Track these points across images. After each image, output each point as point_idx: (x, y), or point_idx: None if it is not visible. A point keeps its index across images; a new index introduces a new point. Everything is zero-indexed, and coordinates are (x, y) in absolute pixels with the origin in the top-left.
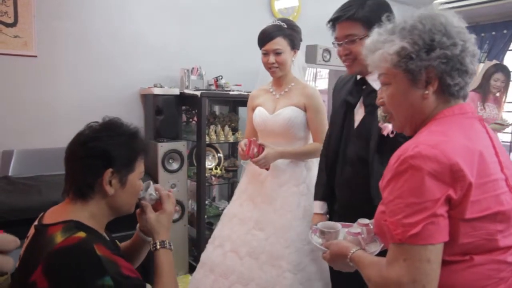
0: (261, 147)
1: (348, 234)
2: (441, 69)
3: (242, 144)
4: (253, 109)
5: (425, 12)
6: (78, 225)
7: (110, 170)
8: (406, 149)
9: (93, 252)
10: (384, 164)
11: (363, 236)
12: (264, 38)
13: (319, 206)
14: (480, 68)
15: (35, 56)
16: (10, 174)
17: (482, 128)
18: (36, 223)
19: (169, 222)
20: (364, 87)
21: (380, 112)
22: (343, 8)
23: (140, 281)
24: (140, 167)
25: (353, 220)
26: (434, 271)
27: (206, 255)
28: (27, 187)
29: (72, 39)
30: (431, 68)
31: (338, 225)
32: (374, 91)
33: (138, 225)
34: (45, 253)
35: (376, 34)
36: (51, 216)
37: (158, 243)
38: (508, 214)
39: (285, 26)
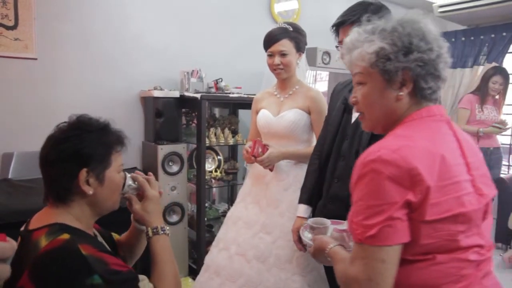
0: (266, 147)
1: (335, 231)
2: (416, 72)
3: (247, 146)
4: (257, 112)
5: (405, 16)
6: (63, 227)
7: (85, 169)
8: (370, 152)
9: (79, 253)
10: None
11: (348, 233)
12: (270, 40)
13: (303, 210)
14: (479, 71)
15: (35, 59)
16: (10, 176)
17: (449, 130)
18: (22, 229)
19: (156, 207)
20: None
21: None
22: (347, 13)
23: (131, 273)
24: (116, 161)
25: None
26: (389, 271)
27: (211, 258)
28: (27, 190)
29: (73, 42)
30: (408, 70)
31: (327, 221)
32: None
33: (131, 216)
34: (31, 258)
35: (356, 33)
36: (36, 221)
37: (150, 231)
38: (470, 215)
39: (291, 29)
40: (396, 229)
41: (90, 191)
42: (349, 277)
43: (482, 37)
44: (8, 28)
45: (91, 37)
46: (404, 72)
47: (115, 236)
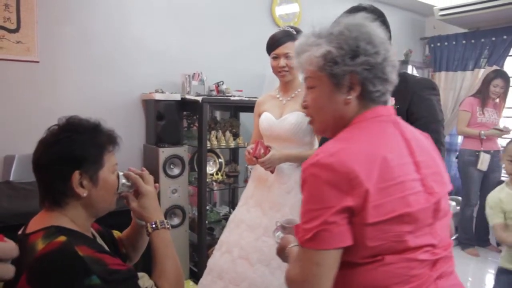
0: (268, 149)
1: (284, 223)
2: (364, 75)
3: (249, 148)
4: (260, 115)
5: (353, 20)
6: (59, 230)
7: (77, 172)
8: (312, 157)
9: (76, 254)
10: None
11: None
12: (275, 42)
13: None
14: (480, 74)
15: (37, 62)
16: (11, 179)
17: (396, 130)
18: (19, 233)
19: (153, 202)
20: None
21: None
22: (341, 17)
23: (130, 271)
24: (110, 161)
25: None
26: (324, 274)
27: (213, 261)
28: (29, 192)
29: (74, 45)
30: (355, 74)
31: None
32: None
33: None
34: (28, 262)
35: (304, 37)
36: (32, 225)
37: (149, 227)
38: (416, 215)
39: (294, 32)
40: (332, 233)
41: (84, 193)
42: (289, 278)
43: (483, 40)
44: (10, 31)
45: (92, 40)
46: (352, 76)
47: (116, 233)
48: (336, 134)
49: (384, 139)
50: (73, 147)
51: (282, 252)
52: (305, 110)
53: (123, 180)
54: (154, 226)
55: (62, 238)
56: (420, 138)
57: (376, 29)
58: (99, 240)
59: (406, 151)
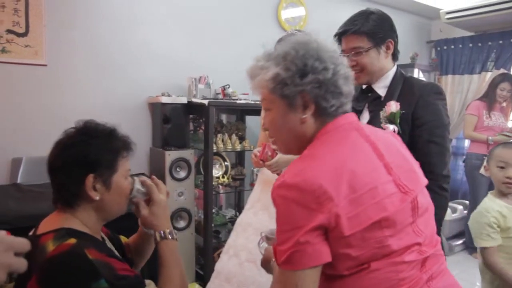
0: (275, 152)
1: (267, 234)
2: (314, 93)
3: (256, 151)
4: None
5: (300, 38)
6: (69, 232)
7: (92, 175)
8: (278, 179)
9: (85, 257)
10: None
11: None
12: None
13: None
14: (487, 77)
15: (45, 65)
16: (19, 181)
17: (360, 137)
18: (30, 234)
19: (164, 211)
20: (369, 94)
21: (382, 113)
22: (349, 22)
23: (137, 278)
24: (123, 166)
25: None
26: None
27: (221, 265)
28: (36, 194)
29: (81, 48)
30: (305, 93)
31: None
32: (379, 97)
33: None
34: (38, 263)
35: (255, 60)
36: (43, 226)
37: (157, 236)
38: (394, 217)
39: None
40: (305, 253)
41: (96, 196)
42: None
43: (490, 43)
44: (19, 35)
45: (99, 44)
46: (303, 95)
47: (123, 239)
48: (301, 152)
49: (349, 148)
50: (88, 150)
51: (267, 264)
52: (267, 132)
53: (138, 186)
54: (163, 235)
55: (72, 241)
56: (387, 138)
57: (324, 43)
58: (109, 244)
59: (373, 155)
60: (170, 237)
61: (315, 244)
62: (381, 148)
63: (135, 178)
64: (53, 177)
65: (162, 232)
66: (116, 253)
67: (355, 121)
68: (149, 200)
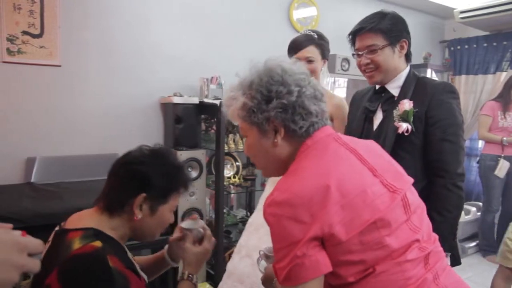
0: None
1: (265, 251)
2: (281, 117)
3: None
4: None
5: (265, 65)
6: (97, 234)
7: (144, 195)
8: (267, 198)
9: (105, 263)
10: (398, 159)
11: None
12: (297, 46)
13: None
14: (502, 77)
15: (59, 66)
16: (32, 180)
17: (340, 145)
18: (57, 227)
19: (203, 259)
20: (383, 94)
21: (395, 112)
22: (365, 20)
23: None
24: (174, 201)
25: None
26: None
27: (233, 265)
28: (50, 193)
29: (95, 49)
30: (272, 118)
31: None
32: (392, 97)
33: (166, 248)
34: (62, 258)
35: (229, 90)
36: (74, 221)
37: (186, 274)
38: (388, 217)
39: (316, 36)
40: (304, 266)
41: (139, 215)
42: None
43: (505, 42)
44: (34, 36)
45: (112, 45)
46: (271, 121)
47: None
48: (282, 173)
49: (331, 157)
50: (153, 173)
51: (268, 283)
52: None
53: (200, 228)
54: (190, 277)
55: (97, 243)
56: (367, 144)
57: (289, 67)
58: (130, 255)
59: (356, 161)
60: (194, 281)
61: (312, 255)
62: (362, 153)
63: (200, 220)
64: (109, 180)
65: (191, 275)
66: (137, 266)
67: (332, 133)
68: (195, 242)
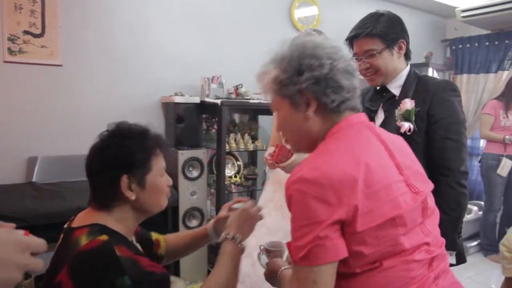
0: (290, 152)
1: (269, 245)
2: (313, 89)
3: (267, 153)
4: None
5: (297, 40)
6: (102, 228)
7: (126, 175)
8: (293, 173)
9: (113, 253)
10: None
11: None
12: None
13: None
14: (504, 76)
15: (61, 65)
16: (34, 179)
17: (372, 135)
18: (66, 226)
19: (246, 222)
20: (384, 94)
21: (397, 111)
22: (360, 25)
23: (164, 275)
24: (157, 164)
25: None
26: None
27: None
28: (51, 193)
29: (96, 49)
30: (304, 90)
31: (283, 244)
32: (393, 96)
33: (211, 223)
34: (71, 255)
35: (262, 65)
36: (79, 220)
37: (230, 235)
38: (406, 216)
39: (317, 35)
40: (325, 248)
41: (132, 196)
42: None
43: (506, 41)
44: (35, 36)
45: (113, 45)
46: (303, 93)
47: (154, 235)
48: (311, 150)
49: (363, 145)
50: (121, 152)
51: (272, 277)
52: (280, 133)
53: (250, 203)
54: (230, 237)
55: (104, 237)
56: (396, 139)
57: (321, 41)
58: (134, 243)
59: (385, 154)
60: (238, 241)
61: (334, 239)
62: (391, 147)
63: (250, 201)
64: (91, 180)
65: (235, 235)
66: (141, 250)
67: (366, 120)
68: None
